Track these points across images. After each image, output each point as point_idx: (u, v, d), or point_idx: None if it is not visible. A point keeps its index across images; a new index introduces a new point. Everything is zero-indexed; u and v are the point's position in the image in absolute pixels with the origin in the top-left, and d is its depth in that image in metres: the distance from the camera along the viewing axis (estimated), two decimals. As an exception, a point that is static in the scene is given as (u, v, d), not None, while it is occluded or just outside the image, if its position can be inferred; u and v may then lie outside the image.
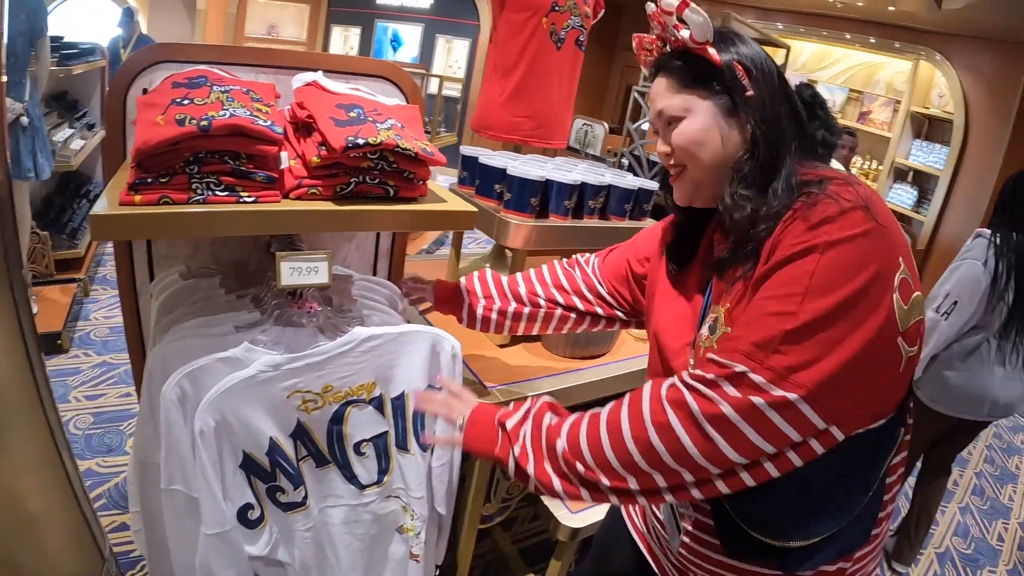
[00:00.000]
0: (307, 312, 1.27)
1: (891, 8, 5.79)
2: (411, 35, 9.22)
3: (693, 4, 1.03)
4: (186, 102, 1.18)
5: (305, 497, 1.30)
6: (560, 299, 1.49)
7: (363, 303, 1.46)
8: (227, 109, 1.17)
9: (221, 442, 1.17)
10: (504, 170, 1.89)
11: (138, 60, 1.44)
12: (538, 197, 1.88)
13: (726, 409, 0.88)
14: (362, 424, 1.33)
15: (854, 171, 6.63)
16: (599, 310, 1.47)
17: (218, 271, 1.52)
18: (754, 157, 1.03)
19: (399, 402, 1.35)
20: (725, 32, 1.08)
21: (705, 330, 1.07)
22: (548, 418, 1.07)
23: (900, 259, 0.90)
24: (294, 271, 1.18)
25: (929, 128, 6.70)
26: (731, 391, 0.88)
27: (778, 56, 4.08)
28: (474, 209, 1.37)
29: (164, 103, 1.18)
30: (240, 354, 1.19)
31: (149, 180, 1.11)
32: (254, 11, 8.99)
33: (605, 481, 0.97)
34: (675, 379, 0.95)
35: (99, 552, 1.77)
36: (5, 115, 1.48)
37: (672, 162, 1.13)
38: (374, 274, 1.79)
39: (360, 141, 1.17)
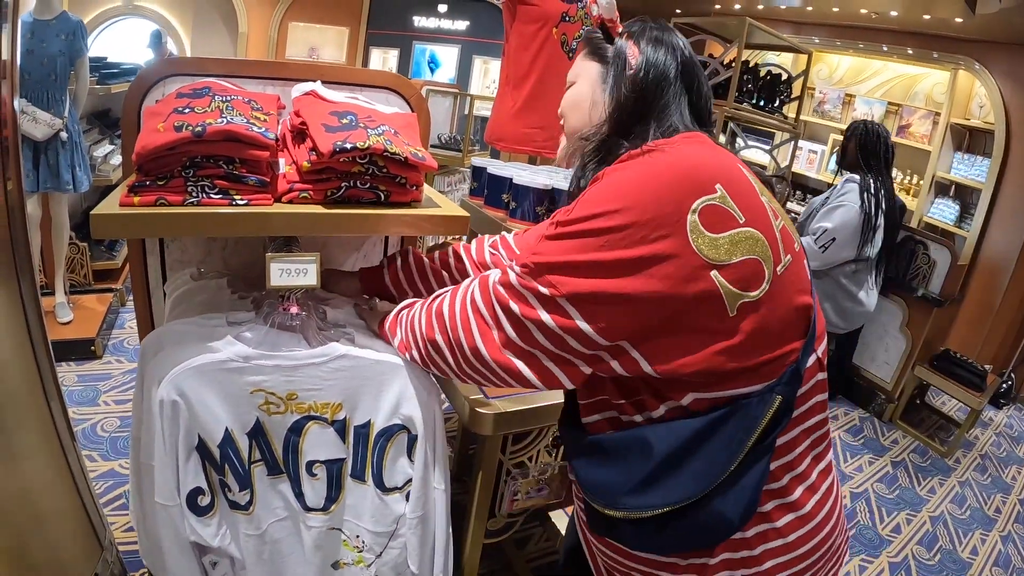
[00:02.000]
0: (290, 315, 1.30)
1: (926, 16, 5.70)
2: (448, 56, 9.36)
3: None
4: (187, 111, 1.23)
5: (250, 503, 1.31)
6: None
7: (360, 324, 1.46)
8: (225, 117, 1.21)
9: (178, 416, 1.19)
10: (511, 179, 1.92)
11: (150, 73, 1.50)
12: (544, 206, 1.90)
13: (502, 294, 0.99)
14: (320, 445, 1.33)
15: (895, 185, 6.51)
16: None
17: (227, 274, 1.57)
18: (602, 131, 1.12)
19: (363, 431, 1.34)
20: (645, 24, 1.14)
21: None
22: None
23: (718, 186, 0.90)
24: (283, 272, 1.21)
25: (970, 140, 6.51)
26: (510, 281, 0.98)
27: (799, 63, 4.04)
28: (466, 215, 1.39)
29: (166, 112, 1.24)
30: (221, 344, 1.23)
31: (147, 183, 1.17)
32: (295, 34, 9.18)
33: (420, 331, 1.17)
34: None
35: (99, 542, 1.84)
36: (18, 127, 1.55)
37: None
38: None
39: (348, 146, 1.20)
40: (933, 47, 6.34)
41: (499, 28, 2.54)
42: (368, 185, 1.29)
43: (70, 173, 3.64)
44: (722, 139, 5.10)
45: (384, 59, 9.50)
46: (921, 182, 6.68)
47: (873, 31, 6.75)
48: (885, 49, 6.78)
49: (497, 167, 2.02)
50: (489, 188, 2.03)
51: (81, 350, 3.63)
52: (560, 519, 1.87)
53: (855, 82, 7.37)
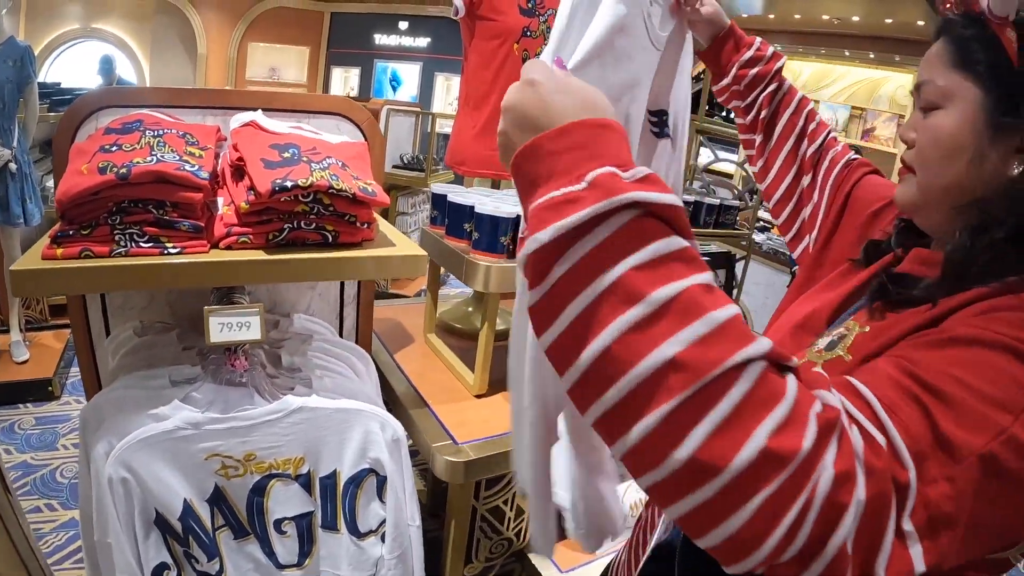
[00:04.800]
0: (240, 370, 1.20)
1: (888, 21, 5.73)
2: (410, 74, 9.31)
3: None
4: (114, 149, 1.13)
5: (220, 571, 1.22)
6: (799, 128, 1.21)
7: (319, 364, 1.38)
8: (155, 155, 1.11)
9: (131, 494, 1.11)
10: (472, 208, 1.82)
11: (82, 105, 1.40)
12: (509, 235, 1.80)
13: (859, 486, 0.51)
14: (286, 501, 1.25)
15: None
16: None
17: (174, 324, 1.46)
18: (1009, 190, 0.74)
19: (329, 481, 1.26)
20: None
21: (823, 341, 0.82)
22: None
23: None
24: (224, 327, 1.11)
25: (935, 143, 6.56)
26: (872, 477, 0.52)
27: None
28: (424, 253, 1.30)
29: (92, 151, 1.14)
30: (168, 411, 1.13)
31: (71, 232, 1.07)
32: (255, 55, 9.10)
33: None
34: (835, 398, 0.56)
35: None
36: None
37: (906, 157, 0.84)
38: (340, 323, 1.71)
39: (288, 183, 1.11)
40: (895, 51, 6.39)
41: (461, 43, 2.43)
42: (314, 226, 1.19)
43: (20, 206, 3.49)
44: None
45: (345, 78, 9.43)
46: (889, 184, 6.67)
47: (835, 36, 6.80)
48: (847, 54, 6.84)
49: (458, 195, 1.91)
50: (450, 217, 1.92)
51: (38, 391, 3.51)
52: (543, 565, 1.77)
53: (818, 88, 7.41)
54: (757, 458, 0.47)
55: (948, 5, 0.83)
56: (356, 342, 1.69)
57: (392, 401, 1.70)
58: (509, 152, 0.63)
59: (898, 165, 0.87)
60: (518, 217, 1.79)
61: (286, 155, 1.21)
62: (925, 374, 0.59)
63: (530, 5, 2.34)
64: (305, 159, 1.21)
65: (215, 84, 8.81)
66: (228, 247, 1.15)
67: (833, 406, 0.53)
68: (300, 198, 1.15)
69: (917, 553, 0.53)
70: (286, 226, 1.17)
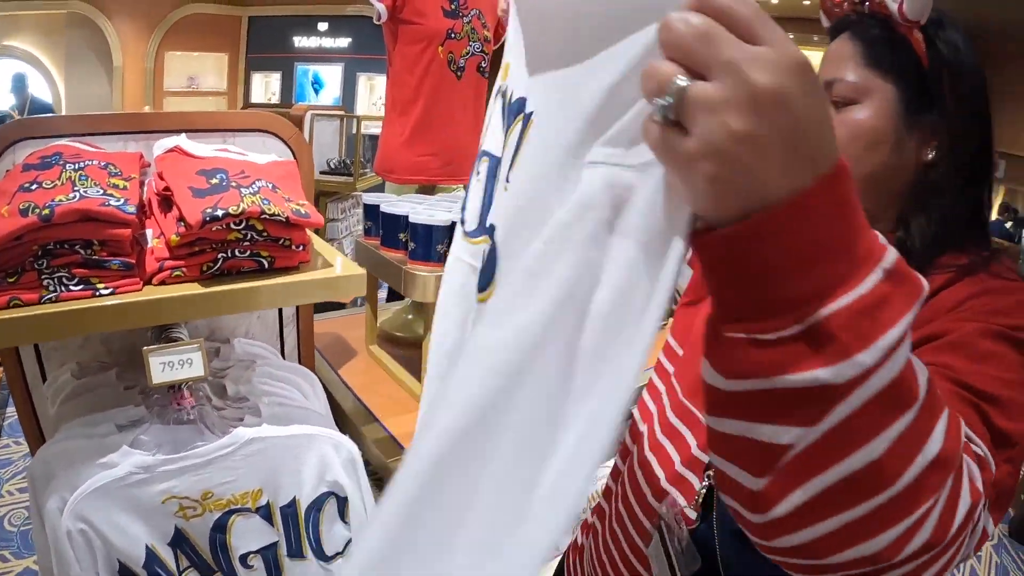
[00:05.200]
0: (186, 408, 1.17)
1: (806, 2, 5.88)
2: (332, 76, 9.17)
3: None
4: (34, 187, 1.09)
5: None
6: None
7: (266, 391, 1.35)
8: (77, 191, 1.07)
9: (91, 546, 1.08)
10: (406, 217, 1.82)
11: (-6, 140, 1.34)
12: (445, 244, 1.79)
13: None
14: (248, 534, 1.23)
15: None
16: None
17: (111, 363, 1.41)
18: (927, 179, 0.84)
19: (290, 510, 1.24)
20: (939, 17, 0.84)
21: None
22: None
23: None
24: (165, 366, 1.08)
25: (852, 115, 6.75)
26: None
27: None
28: (361, 272, 1.29)
29: (12, 190, 1.09)
30: (117, 458, 1.10)
31: (-4, 280, 1.02)
32: (172, 65, 8.85)
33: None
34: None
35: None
36: None
37: None
38: (281, 345, 1.68)
39: (219, 212, 1.08)
40: (813, 31, 6.52)
41: (383, 43, 2.41)
42: (248, 253, 1.17)
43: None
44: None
45: (266, 83, 9.25)
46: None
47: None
48: (791, 37, 6.93)
49: (391, 204, 1.90)
50: (384, 228, 1.91)
51: (-27, 434, 3.29)
52: None
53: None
54: (965, 519, 0.48)
55: (844, 6, 0.91)
56: (299, 362, 1.68)
57: (341, 418, 1.69)
58: (747, 176, 0.38)
59: None
60: (453, 224, 1.78)
61: (214, 181, 1.18)
62: (968, 379, 0.62)
63: (453, 7, 2.34)
64: (234, 184, 1.19)
65: (133, 97, 8.56)
66: (162, 282, 1.12)
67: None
68: (232, 226, 1.13)
69: (989, 523, 0.55)
70: (220, 256, 1.15)
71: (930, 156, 0.83)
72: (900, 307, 0.40)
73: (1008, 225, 7.06)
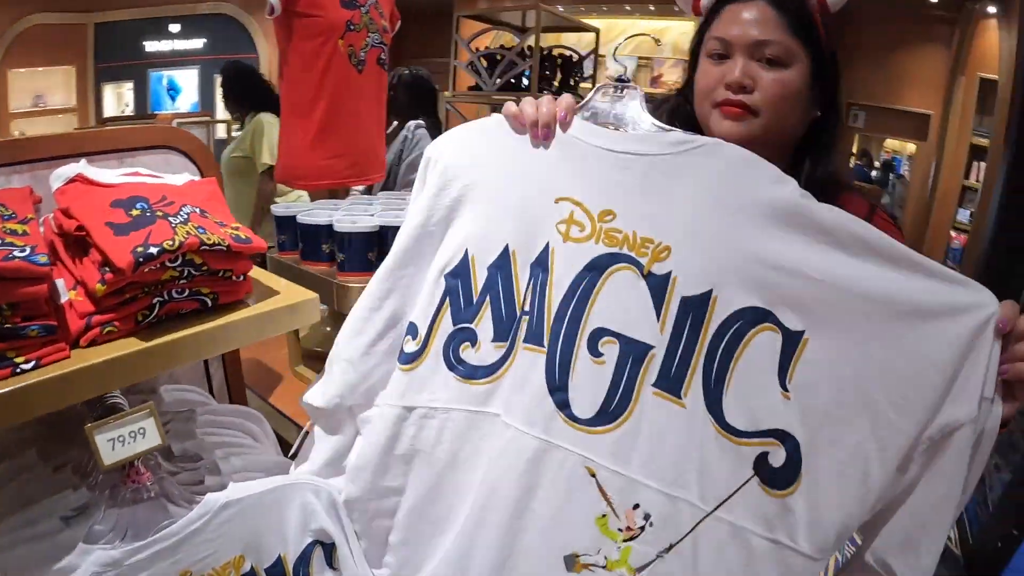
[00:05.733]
0: (144, 485, 0.98)
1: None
2: (188, 80, 8.55)
3: None
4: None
5: None
6: None
7: (215, 442, 1.18)
8: (-38, 245, 0.88)
9: None
10: (330, 226, 1.66)
11: None
12: (375, 250, 1.65)
13: None
14: None
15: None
16: None
17: (32, 437, 1.19)
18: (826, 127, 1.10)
19: (276, 570, 1.06)
20: None
21: None
22: None
23: None
24: (115, 443, 0.89)
25: (718, 81, 7.00)
26: None
27: (588, 40, 4.01)
28: (313, 295, 1.13)
29: None
30: (75, 559, 0.90)
31: None
32: (16, 83, 8.02)
33: None
34: None
35: None
36: None
37: (747, 100, 1.03)
38: (209, 383, 1.49)
39: (153, 250, 0.90)
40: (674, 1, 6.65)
41: (241, 40, 2.23)
42: (187, 292, 0.98)
43: None
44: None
45: (118, 94, 8.57)
46: (678, 125, 7.03)
47: (616, -7, 7.02)
48: (628, 8, 7.06)
49: (309, 213, 1.73)
50: (303, 240, 1.73)
51: None
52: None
53: (604, 43, 7.61)
54: None
55: None
56: (230, 400, 1.51)
57: (289, 452, 1.54)
58: None
59: (710, 107, 1.07)
60: (382, 229, 1.65)
61: (135, 213, 0.99)
62: None
63: (350, -4, 2.18)
64: (160, 214, 1.00)
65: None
66: (92, 342, 0.91)
67: None
68: (167, 263, 0.94)
69: None
70: (156, 300, 0.95)
71: (817, 114, 1.10)
72: None
73: (873, 172, 7.44)
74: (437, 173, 0.95)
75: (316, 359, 2.05)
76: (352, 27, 2.19)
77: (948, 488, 0.74)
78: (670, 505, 0.79)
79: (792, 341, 0.78)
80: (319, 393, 1.01)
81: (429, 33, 4.03)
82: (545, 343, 0.87)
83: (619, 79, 0.99)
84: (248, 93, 3.58)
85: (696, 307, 0.81)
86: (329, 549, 1.12)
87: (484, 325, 0.91)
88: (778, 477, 0.77)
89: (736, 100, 1.03)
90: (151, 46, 8.35)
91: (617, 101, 0.98)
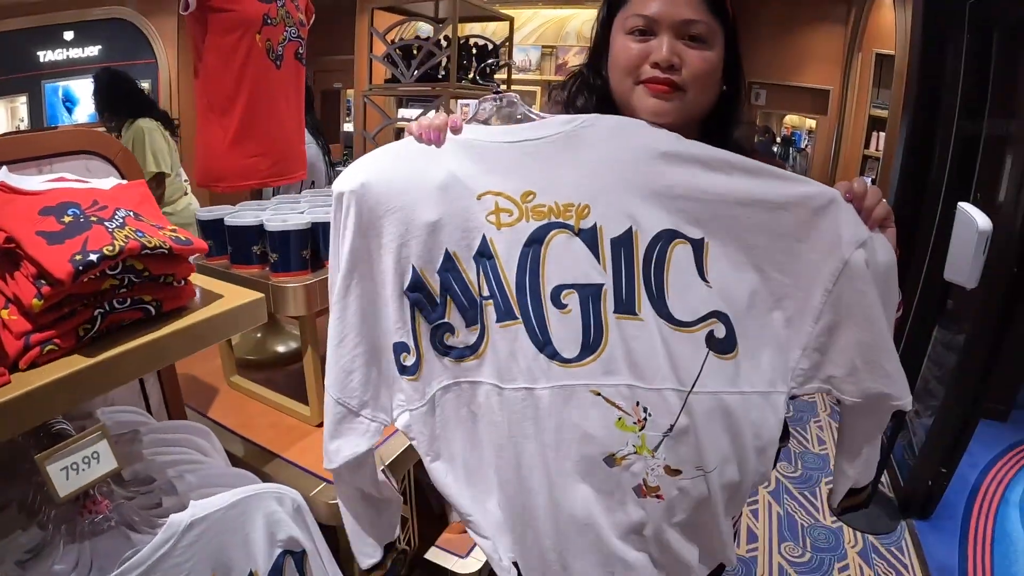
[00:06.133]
0: (104, 514, 0.91)
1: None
2: (85, 91, 8.02)
3: None
4: None
5: None
6: None
7: (165, 462, 1.10)
8: None
9: None
10: (260, 227, 1.59)
11: None
12: (308, 248, 1.59)
13: None
14: None
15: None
16: None
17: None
18: (733, 98, 1.15)
19: None
20: None
21: None
22: None
23: None
24: (69, 471, 0.82)
25: (623, 65, 7.12)
26: None
27: (503, 29, 3.98)
28: (260, 296, 1.08)
29: None
30: None
31: None
32: (-96, 105, 7.49)
33: None
34: None
35: None
36: None
37: (675, 77, 1.05)
38: (146, 401, 1.41)
39: (92, 257, 0.83)
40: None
41: (139, 45, 2.13)
42: (129, 302, 0.92)
43: None
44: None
45: (11, 109, 8.02)
46: (585, 111, 7.11)
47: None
48: (533, -4, 7.08)
49: (237, 215, 1.65)
50: (232, 243, 1.65)
51: None
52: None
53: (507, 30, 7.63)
54: None
55: None
56: (169, 419, 1.43)
57: (238, 465, 1.46)
58: None
59: (632, 83, 1.08)
60: (314, 226, 1.59)
61: (67, 219, 0.92)
62: None
63: (266, -12, 2.09)
64: (94, 219, 0.93)
65: None
66: (32, 363, 0.83)
67: None
68: (107, 271, 0.88)
69: None
70: (97, 312, 0.89)
71: (724, 88, 1.12)
72: None
73: (775, 148, 7.70)
74: (355, 211, 1.02)
75: (250, 368, 1.97)
76: (269, 21, 2.11)
77: (868, 308, 0.98)
78: (658, 396, 0.99)
79: (698, 247, 1.00)
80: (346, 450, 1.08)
81: (333, 28, 3.94)
82: (518, 315, 1.01)
83: (496, 91, 1.16)
84: (124, 100, 3.49)
85: (624, 243, 1.00)
86: (299, 557, 1.08)
87: (454, 316, 1.05)
88: (724, 345, 1.00)
89: (664, 78, 1.04)
90: (44, 56, 7.86)
91: (501, 109, 1.12)
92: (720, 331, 1.00)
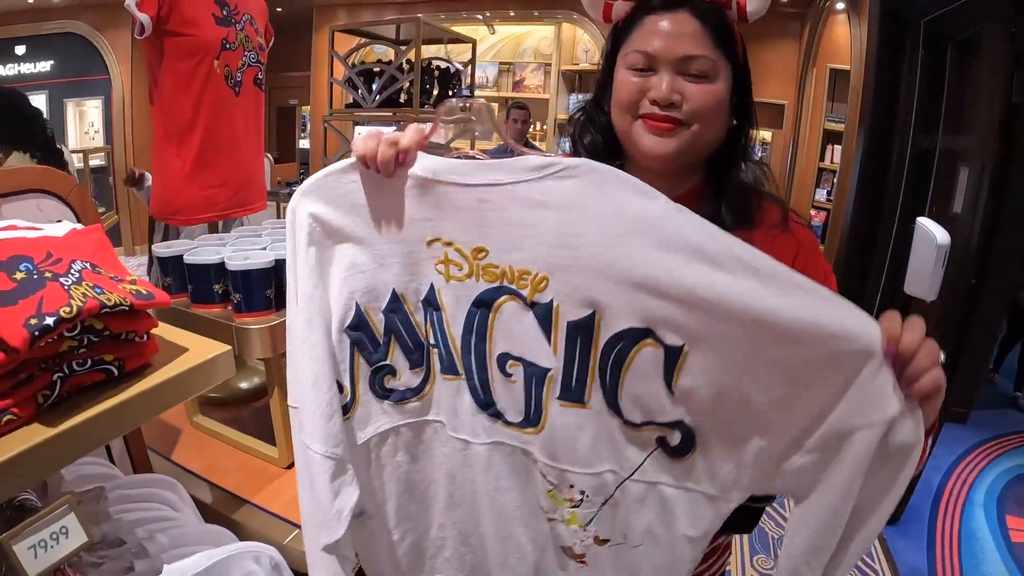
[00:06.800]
0: None
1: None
2: (38, 107, 7.88)
3: None
4: None
5: None
6: None
7: (133, 520, 1.05)
8: None
9: None
10: (222, 265, 1.53)
11: None
12: (272, 286, 1.54)
13: None
14: None
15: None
16: None
17: None
18: (741, 135, 1.10)
19: None
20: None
21: None
22: None
23: None
24: (37, 549, 0.76)
25: (581, 82, 7.18)
26: None
27: (466, 51, 3.95)
28: (227, 347, 1.03)
29: None
30: None
31: None
32: None
33: None
34: None
35: None
36: None
37: (677, 115, 1.01)
38: (108, 450, 1.35)
39: (49, 321, 0.77)
40: (533, 6, 6.80)
41: (92, 60, 2.05)
42: (89, 364, 0.86)
43: None
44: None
45: (-44, 128, 7.80)
46: (545, 127, 7.20)
47: (474, 0, 7.04)
48: (488, 15, 7.10)
49: (195, 252, 1.59)
50: (193, 282, 1.58)
51: None
52: None
53: (465, 50, 7.61)
54: None
55: None
56: (133, 467, 1.37)
57: (207, 513, 1.40)
58: None
59: (631, 119, 1.06)
60: (277, 263, 1.54)
61: (19, 276, 0.85)
62: None
63: (225, 13, 2.03)
64: (49, 275, 0.87)
65: None
66: None
67: None
68: (65, 334, 0.83)
69: None
70: (56, 377, 0.82)
71: (734, 123, 1.08)
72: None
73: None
74: (307, 231, 0.97)
75: (214, 406, 1.91)
76: (228, 46, 2.05)
77: (845, 492, 0.77)
78: (597, 479, 0.93)
79: (673, 355, 0.83)
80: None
81: (288, 45, 3.89)
82: (461, 372, 0.97)
83: (464, 96, 1.02)
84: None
85: (583, 329, 0.88)
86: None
87: (397, 358, 1.01)
88: (677, 450, 0.89)
89: (662, 115, 1.01)
90: (-5, 70, 7.67)
91: (466, 122, 1.04)
92: (675, 438, 0.88)
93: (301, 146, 9.14)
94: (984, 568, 3.06)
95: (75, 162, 4.44)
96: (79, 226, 1.09)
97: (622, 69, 1.06)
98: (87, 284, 0.88)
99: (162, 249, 1.66)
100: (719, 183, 1.08)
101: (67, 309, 0.81)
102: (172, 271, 1.64)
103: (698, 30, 1.00)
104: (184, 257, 1.58)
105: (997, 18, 2.76)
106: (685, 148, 1.03)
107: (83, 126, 7.92)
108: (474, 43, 3.93)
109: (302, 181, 3.02)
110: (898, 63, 3.71)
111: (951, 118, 3.58)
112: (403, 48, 3.36)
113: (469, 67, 3.82)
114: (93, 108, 7.85)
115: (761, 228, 1.04)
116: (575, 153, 1.16)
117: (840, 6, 4.47)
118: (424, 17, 3.08)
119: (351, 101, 3.31)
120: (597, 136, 1.14)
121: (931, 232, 2.79)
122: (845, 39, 4.37)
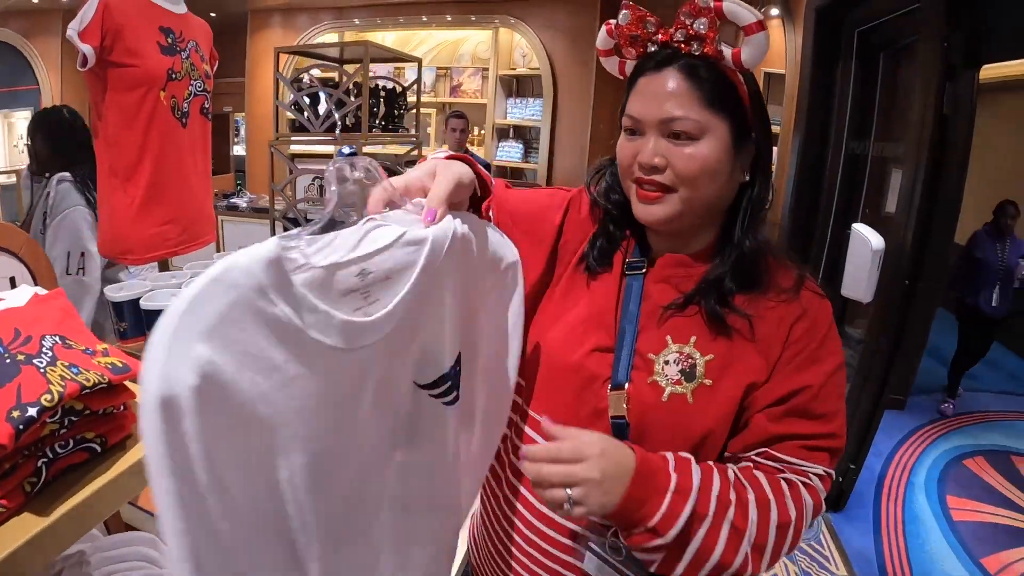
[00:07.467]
0: None
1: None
2: None
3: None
4: None
5: None
6: None
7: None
8: None
9: None
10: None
11: None
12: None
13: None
14: None
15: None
16: None
17: None
18: (752, 197, 1.03)
19: None
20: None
21: (672, 369, 1.00)
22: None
23: None
24: None
25: (519, 86, 7.20)
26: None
27: (410, 72, 3.91)
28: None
29: None
30: None
31: None
32: None
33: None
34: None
35: None
36: None
37: (660, 179, 0.98)
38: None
39: (32, 412, 0.75)
40: (470, 11, 6.80)
41: (20, 70, 1.96)
42: (72, 445, 0.84)
43: None
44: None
45: None
46: (483, 131, 7.20)
47: (412, 5, 7.03)
48: (425, 19, 7.07)
49: (153, 298, 1.55)
50: (150, 327, 1.56)
51: None
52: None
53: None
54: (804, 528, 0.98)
55: (639, 34, 1.01)
56: (106, 526, 1.34)
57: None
58: None
59: (629, 183, 1.02)
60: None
61: None
62: (816, 436, 0.97)
63: (170, 41, 1.97)
64: (21, 357, 0.84)
65: None
66: None
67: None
68: (47, 420, 0.81)
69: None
70: (40, 462, 0.80)
71: (746, 178, 1.02)
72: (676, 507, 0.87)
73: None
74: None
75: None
76: (174, 76, 2.00)
77: None
78: None
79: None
80: None
81: (222, 50, 3.82)
82: None
83: (347, 154, 0.91)
84: None
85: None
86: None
87: None
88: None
89: (648, 180, 0.98)
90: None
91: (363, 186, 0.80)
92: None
93: (236, 153, 8.96)
94: (929, 548, 3.22)
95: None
96: (39, 289, 1.06)
97: (621, 132, 1.04)
98: (62, 364, 0.86)
99: (115, 292, 1.63)
100: (729, 244, 1.03)
101: (48, 397, 0.79)
102: (128, 315, 1.61)
103: (684, 88, 0.95)
104: (141, 303, 1.56)
105: (930, 33, 2.85)
106: (675, 214, 0.98)
107: (12, 139, 7.50)
108: (420, 61, 3.89)
109: (239, 194, 2.92)
110: (832, 70, 3.82)
111: (882, 124, 3.71)
112: (348, 69, 3.29)
113: (416, 85, 3.79)
114: (22, 120, 7.37)
115: (771, 292, 1.00)
116: (603, 209, 1.11)
117: (775, 12, 4.58)
118: (371, 43, 3.04)
119: (297, 126, 3.25)
120: (621, 197, 1.08)
121: (866, 237, 2.89)
122: (780, 44, 4.47)
